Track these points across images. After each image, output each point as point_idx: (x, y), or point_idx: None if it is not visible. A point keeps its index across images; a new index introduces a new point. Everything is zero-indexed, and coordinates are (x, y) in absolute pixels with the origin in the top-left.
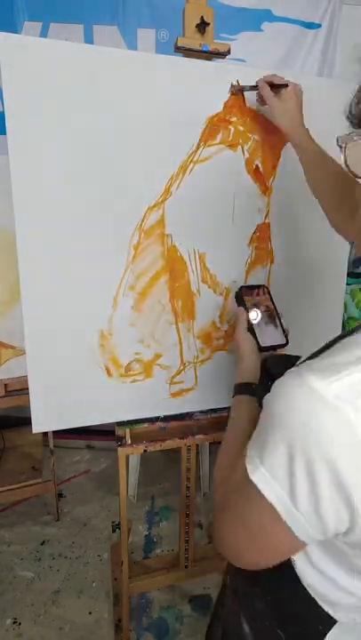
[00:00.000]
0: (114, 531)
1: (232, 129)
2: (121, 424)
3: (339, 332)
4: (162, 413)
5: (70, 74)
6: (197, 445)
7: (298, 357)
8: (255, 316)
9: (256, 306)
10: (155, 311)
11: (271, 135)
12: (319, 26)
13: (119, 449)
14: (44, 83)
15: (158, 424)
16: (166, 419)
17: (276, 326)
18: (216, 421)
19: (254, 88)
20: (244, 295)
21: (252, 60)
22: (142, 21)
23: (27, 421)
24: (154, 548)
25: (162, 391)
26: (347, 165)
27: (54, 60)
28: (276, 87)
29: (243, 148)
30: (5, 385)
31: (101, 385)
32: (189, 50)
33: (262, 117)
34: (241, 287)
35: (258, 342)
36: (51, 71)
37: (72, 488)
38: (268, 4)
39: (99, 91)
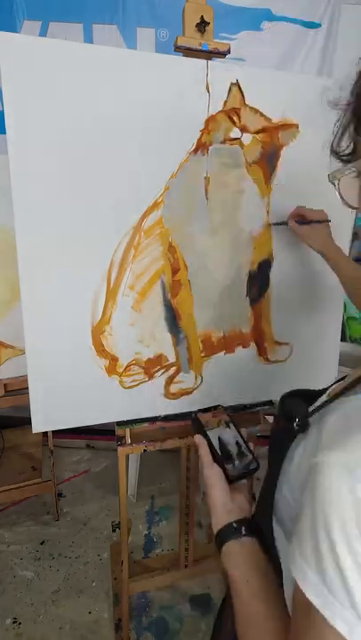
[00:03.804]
0: (114, 530)
1: (232, 128)
2: (121, 424)
3: (339, 332)
4: (162, 413)
5: (70, 73)
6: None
7: (314, 391)
8: (217, 441)
9: (216, 431)
10: (155, 311)
11: (271, 135)
12: (319, 25)
13: (119, 449)
14: (43, 82)
15: (158, 424)
16: (166, 419)
17: (241, 448)
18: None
19: (284, 224)
20: (201, 419)
21: (252, 59)
22: (142, 21)
23: (27, 421)
24: (154, 548)
25: (162, 391)
26: (343, 199)
27: (54, 60)
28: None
29: (242, 148)
30: (5, 385)
31: (101, 385)
32: (189, 49)
33: (263, 117)
34: (197, 412)
35: (226, 472)
36: (50, 71)
37: (72, 488)
38: (267, 3)
39: (98, 90)
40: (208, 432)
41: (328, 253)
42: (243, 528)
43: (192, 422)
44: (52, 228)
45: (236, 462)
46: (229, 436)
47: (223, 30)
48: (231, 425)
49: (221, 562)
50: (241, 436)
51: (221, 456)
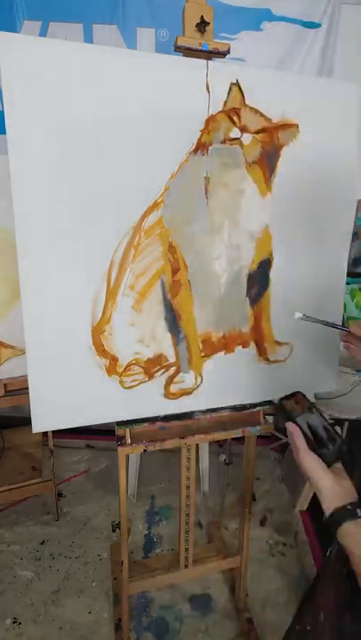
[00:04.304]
0: (114, 530)
1: (232, 128)
2: (121, 424)
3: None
4: (162, 413)
5: (70, 73)
6: (197, 445)
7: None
8: (306, 428)
9: (303, 417)
10: (155, 311)
11: (271, 135)
12: (319, 25)
13: (119, 448)
14: (43, 82)
15: (158, 424)
16: (166, 418)
17: (330, 432)
18: (216, 421)
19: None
20: (287, 408)
21: (252, 59)
22: (142, 21)
23: (27, 421)
24: (154, 548)
25: (162, 391)
26: None
27: (54, 60)
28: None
29: (242, 148)
30: (5, 385)
31: (101, 385)
32: (189, 49)
33: (263, 117)
34: (281, 400)
35: (322, 457)
36: (50, 71)
37: (72, 488)
38: (267, 3)
39: (98, 90)
40: (297, 419)
41: None
42: (358, 510)
43: (277, 410)
44: (52, 228)
45: (330, 446)
46: (316, 421)
47: (223, 30)
48: (315, 410)
49: (341, 541)
50: (325, 419)
51: (315, 441)
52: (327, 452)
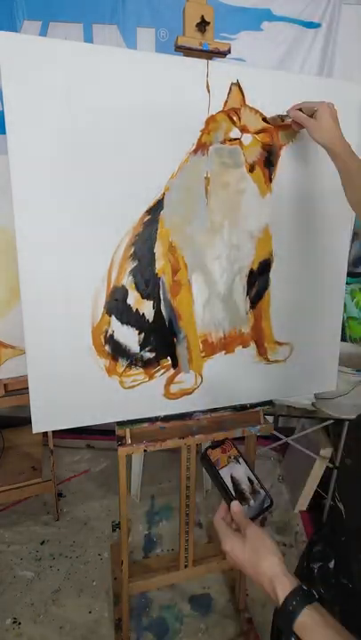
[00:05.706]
0: (114, 530)
1: (232, 128)
2: (121, 424)
3: (339, 332)
4: (162, 413)
5: (70, 73)
6: (197, 445)
7: None
8: (229, 480)
9: (228, 469)
10: (155, 311)
11: (271, 135)
12: (319, 25)
13: (119, 449)
14: (43, 82)
15: (158, 424)
16: (166, 418)
17: (254, 484)
18: (216, 421)
19: (287, 117)
20: (212, 458)
21: (252, 59)
22: (142, 20)
23: (27, 421)
24: (154, 548)
25: (162, 391)
26: None
27: (54, 60)
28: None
29: (242, 148)
30: (5, 385)
31: (101, 385)
32: (189, 49)
33: (262, 117)
34: (206, 449)
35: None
36: (50, 70)
37: (72, 488)
38: (267, 3)
39: (98, 90)
40: (220, 471)
41: (334, 148)
42: (314, 591)
43: (201, 460)
44: (52, 228)
45: (251, 502)
46: (241, 472)
47: (223, 30)
48: (241, 459)
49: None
50: (251, 470)
51: (236, 497)
52: (247, 509)
